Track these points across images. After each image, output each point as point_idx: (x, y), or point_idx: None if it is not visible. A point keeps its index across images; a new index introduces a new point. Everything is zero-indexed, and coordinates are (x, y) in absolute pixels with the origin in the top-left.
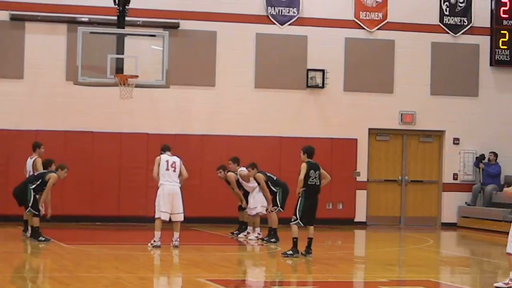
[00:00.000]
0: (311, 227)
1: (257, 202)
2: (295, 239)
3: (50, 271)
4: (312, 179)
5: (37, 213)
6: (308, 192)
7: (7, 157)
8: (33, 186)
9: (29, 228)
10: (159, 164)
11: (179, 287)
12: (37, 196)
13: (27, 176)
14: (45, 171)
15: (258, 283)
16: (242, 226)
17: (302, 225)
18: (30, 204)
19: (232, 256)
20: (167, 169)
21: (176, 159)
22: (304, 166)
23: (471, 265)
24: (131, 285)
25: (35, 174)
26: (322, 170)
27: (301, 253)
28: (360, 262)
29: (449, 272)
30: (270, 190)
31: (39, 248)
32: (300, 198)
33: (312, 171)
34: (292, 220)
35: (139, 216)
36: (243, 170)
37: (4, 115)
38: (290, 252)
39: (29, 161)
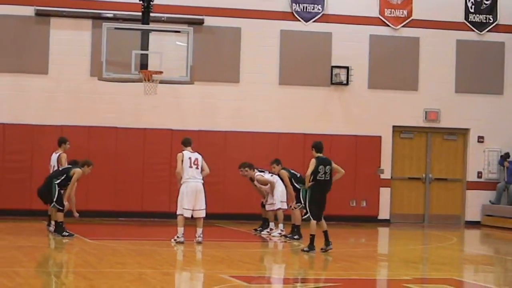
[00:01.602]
0: (323, 222)
1: (276, 199)
2: (312, 236)
3: (74, 266)
4: (321, 175)
5: (61, 208)
6: (315, 187)
7: (32, 152)
8: (58, 181)
9: (53, 222)
10: (182, 161)
11: (202, 283)
12: (62, 191)
13: (51, 171)
14: (70, 166)
15: (280, 280)
16: (266, 223)
17: (313, 219)
18: (54, 199)
19: (255, 252)
20: (190, 166)
21: (198, 155)
22: (313, 162)
23: (494, 264)
24: (155, 281)
25: (60, 169)
26: (334, 165)
27: (322, 248)
28: (383, 259)
29: (472, 271)
30: (294, 187)
31: (63, 243)
32: (308, 193)
33: (321, 167)
34: (303, 215)
35: (162, 212)
36: (259, 174)
37: (28, 110)
38: (307, 248)
39: (54, 156)
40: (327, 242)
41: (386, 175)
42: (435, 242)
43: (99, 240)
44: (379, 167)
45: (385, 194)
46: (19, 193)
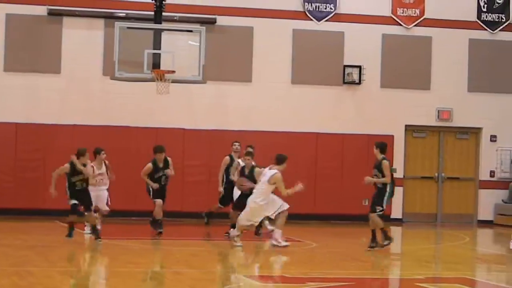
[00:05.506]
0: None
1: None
2: (384, 231)
3: (89, 265)
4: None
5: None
6: (393, 185)
7: (44, 152)
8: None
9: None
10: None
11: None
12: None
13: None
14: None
15: (291, 279)
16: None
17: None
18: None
19: (267, 252)
20: None
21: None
22: (387, 164)
23: (507, 263)
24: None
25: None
26: None
27: (371, 246)
28: (396, 258)
29: (485, 270)
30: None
31: (77, 242)
32: (387, 192)
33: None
34: (378, 210)
35: (174, 211)
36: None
37: (41, 109)
38: (386, 242)
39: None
40: (374, 239)
41: (399, 174)
42: (448, 241)
43: (110, 240)
44: (392, 166)
45: (397, 193)
46: (32, 192)
